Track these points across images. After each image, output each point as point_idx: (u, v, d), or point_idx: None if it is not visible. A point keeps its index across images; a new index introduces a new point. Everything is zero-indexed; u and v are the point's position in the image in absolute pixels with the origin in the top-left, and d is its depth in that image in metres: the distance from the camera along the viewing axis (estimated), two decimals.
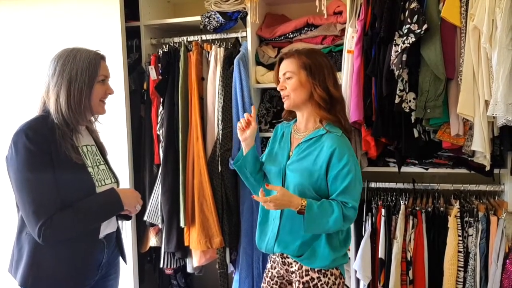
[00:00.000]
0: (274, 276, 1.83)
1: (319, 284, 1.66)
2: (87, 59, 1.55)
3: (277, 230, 1.73)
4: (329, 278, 1.67)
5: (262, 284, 1.87)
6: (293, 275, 1.73)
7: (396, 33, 2.12)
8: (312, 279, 1.67)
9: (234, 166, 1.82)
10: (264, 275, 1.88)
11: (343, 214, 1.59)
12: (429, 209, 2.33)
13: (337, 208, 1.59)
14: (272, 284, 1.83)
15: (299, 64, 1.68)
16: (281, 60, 1.76)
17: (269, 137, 1.93)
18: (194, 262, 2.68)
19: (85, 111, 1.57)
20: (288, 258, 1.75)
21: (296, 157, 1.70)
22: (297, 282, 1.70)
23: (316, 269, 1.67)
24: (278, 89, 1.75)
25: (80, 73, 1.53)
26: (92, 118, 1.72)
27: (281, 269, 1.80)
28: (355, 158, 1.67)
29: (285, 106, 1.74)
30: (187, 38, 2.70)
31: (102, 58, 1.62)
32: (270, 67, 2.59)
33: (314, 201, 1.60)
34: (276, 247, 1.74)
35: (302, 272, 1.69)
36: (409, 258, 2.28)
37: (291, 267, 1.74)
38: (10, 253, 1.60)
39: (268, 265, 1.87)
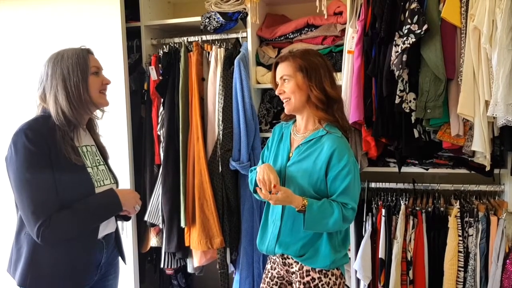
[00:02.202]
0: (274, 277, 1.83)
1: (319, 285, 1.66)
2: (74, 55, 1.56)
3: (278, 232, 1.73)
4: (329, 279, 1.67)
5: (262, 285, 1.86)
6: (294, 275, 1.73)
7: (396, 33, 2.12)
8: (313, 279, 1.67)
9: (253, 192, 1.82)
10: (264, 275, 1.88)
11: (343, 214, 1.59)
12: (429, 209, 2.33)
13: (337, 209, 1.59)
14: (272, 284, 1.82)
15: (295, 67, 1.68)
16: (276, 64, 1.76)
17: (269, 137, 1.93)
18: (194, 262, 2.69)
19: (87, 105, 1.58)
20: (289, 258, 1.75)
21: (297, 158, 1.70)
22: (297, 283, 1.70)
23: (317, 270, 1.67)
24: (277, 93, 1.75)
25: (72, 70, 1.54)
26: (98, 114, 1.71)
27: (281, 269, 1.80)
28: (355, 159, 1.68)
29: (286, 111, 1.74)
30: (187, 38, 2.70)
31: (89, 52, 1.63)
32: (271, 67, 2.55)
33: (315, 201, 1.60)
34: (277, 248, 1.74)
35: (303, 272, 1.69)
36: (409, 258, 2.28)
37: (292, 267, 1.74)
38: (9, 253, 1.60)
39: (268, 266, 1.86)
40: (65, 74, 1.53)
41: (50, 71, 1.54)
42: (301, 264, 1.70)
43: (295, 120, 1.81)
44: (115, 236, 1.77)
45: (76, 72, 1.54)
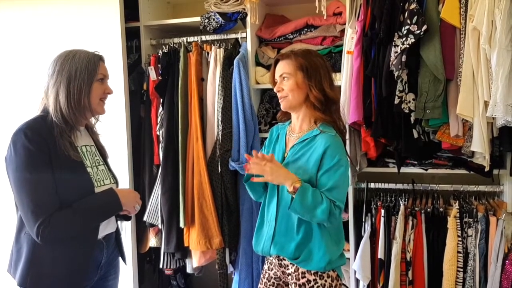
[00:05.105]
0: (271, 278, 1.82)
1: (315, 287, 1.66)
2: (86, 58, 1.57)
3: (273, 232, 1.73)
4: (325, 281, 1.66)
5: (259, 285, 1.86)
6: (290, 277, 1.73)
7: (396, 34, 2.12)
8: (309, 281, 1.66)
9: (246, 184, 1.83)
10: (261, 276, 1.87)
11: (330, 209, 1.57)
12: (428, 209, 2.33)
13: (326, 201, 1.57)
14: (269, 285, 1.82)
15: (296, 65, 1.68)
16: (277, 61, 1.76)
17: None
18: (193, 262, 2.68)
19: (84, 110, 1.58)
20: (285, 260, 1.74)
21: (291, 158, 1.70)
22: (293, 285, 1.70)
23: (312, 272, 1.67)
24: (275, 90, 1.75)
25: (79, 72, 1.55)
26: (93, 119, 1.72)
27: (277, 270, 1.80)
28: (347, 159, 1.67)
29: (282, 107, 1.75)
30: (186, 38, 2.70)
31: (100, 58, 1.64)
32: (270, 67, 2.56)
33: (309, 186, 1.59)
34: (272, 249, 1.73)
35: (299, 274, 1.69)
36: (408, 259, 2.28)
37: (288, 269, 1.74)
38: (9, 253, 1.60)
39: (265, 266, 1.86)
40: (72, 74, 1.54)
41: (58, 68, 1.55)
42: (296, 266, 1.69)
43: (291, 121, 1.82)
44: (116, 236, 1.76)
45: (82, 75, 1.55)
